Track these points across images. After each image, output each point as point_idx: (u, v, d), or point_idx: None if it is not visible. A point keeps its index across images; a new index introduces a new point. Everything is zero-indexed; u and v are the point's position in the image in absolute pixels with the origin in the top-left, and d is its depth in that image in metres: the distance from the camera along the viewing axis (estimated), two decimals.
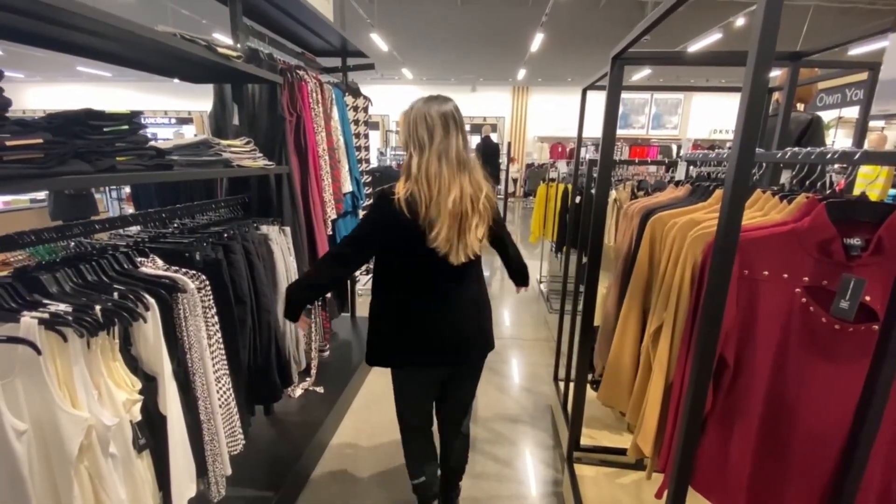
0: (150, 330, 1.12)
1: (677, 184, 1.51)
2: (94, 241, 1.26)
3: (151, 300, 1.11)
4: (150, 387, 1.15)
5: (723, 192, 1.14)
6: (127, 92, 12.88)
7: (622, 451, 1.97)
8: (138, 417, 1.11)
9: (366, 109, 2.75)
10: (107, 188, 7.35)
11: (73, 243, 1.25)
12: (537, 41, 7.59)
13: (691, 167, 1.84)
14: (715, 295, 0.74)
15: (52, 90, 12.50)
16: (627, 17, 6.70)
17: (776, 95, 2.25)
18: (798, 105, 2.40)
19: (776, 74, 2.53)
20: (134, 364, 1.14)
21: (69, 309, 0.97)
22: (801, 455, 0.94)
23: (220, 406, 1.36)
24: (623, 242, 1.48)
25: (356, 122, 2.66)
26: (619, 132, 10.43)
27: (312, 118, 2.01)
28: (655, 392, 1.09)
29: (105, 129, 1.11)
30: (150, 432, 1.16)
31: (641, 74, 10.02)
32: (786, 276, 0.89)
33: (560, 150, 12.32)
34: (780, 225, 0.91)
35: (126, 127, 1.16)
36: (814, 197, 0.90)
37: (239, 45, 1.70)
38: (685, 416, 0.82)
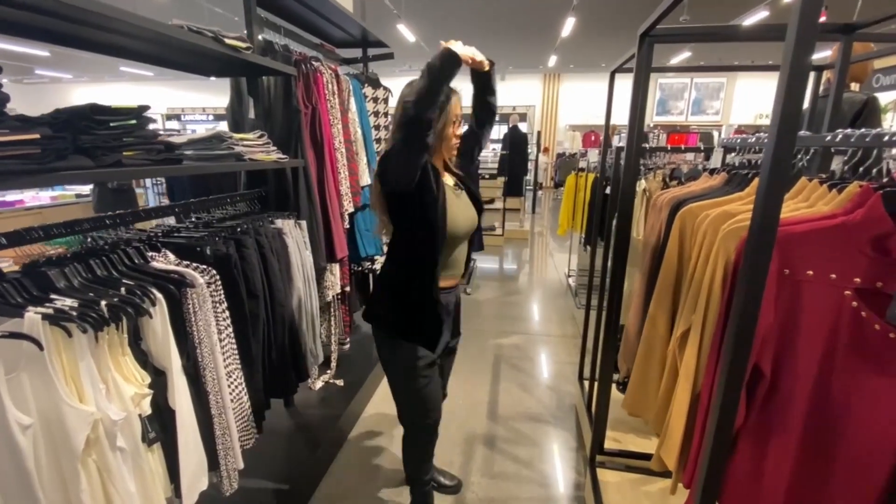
0: (158, 325, 1.12)
1: (712, 172, 1.38)
2: (106, 235, 1.27)
3: (159, 295, 1.11)
4: (159, 381, 1.16)
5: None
6: (167, 90, 13.40)
7: (649, 457, 1.87)
8: (148, 411, 1.12)
9: (386, 100, 2.71)
10: (150, 184, 7.74)
11: (89, 238, 1.27)
12: (568, 26, 7.34)
13: (729, 154, 1.70)
14: (748, 297, 0.65)
15: (97, 90, 13.16)
16: (654, 1, 6.35)
17: (827, 74, 2.05)
18: (852, 85, 2.18)
19: (825, 55, 2.32)
20: (144, 358, 1.14)
21: (74, 304, 0.98)
22: (845, 477, 0.83)
23: (232, 401, 1.36)
24: (651, 236, 1.38)
25: (376, 113, 2.61)
26: (657, 119, 9.99)
27: (328, 110, 1.98)
28: (681, 401, 1.00)
29: (112, 124, 1.11)
30: (161, 426, 1.17)
31: (681, 57, 9.53)
32: (834, 276, 0.78)
33: (593, 138, 11.96)
34: (827, 218, 0.80)
35: (134, 121, 1.15)
36: (868, 186, 0.78)
37: (250, 36, 1.68)
38: (712, 430, 0.73)
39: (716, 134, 11.01)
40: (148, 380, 1.11)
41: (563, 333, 3.58)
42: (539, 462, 2.09)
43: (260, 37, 1.77)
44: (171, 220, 1.61)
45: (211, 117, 13.45)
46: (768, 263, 0.64)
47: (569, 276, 4.80)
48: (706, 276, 0.94)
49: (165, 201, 6.99)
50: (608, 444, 1.87)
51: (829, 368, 0.81)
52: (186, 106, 13.30)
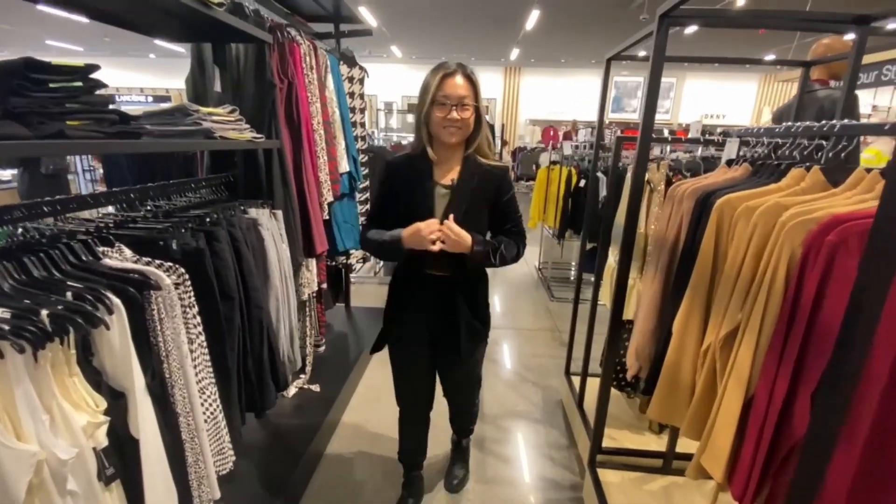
0: (115, 337, 0.91)
1: (730, 163, 1.33)
2: (42, 227, 1.03)
3: (116, 300, 0.90)
4: (117, 405, 0.95)
5: (808, 171, 0.96)
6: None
7: (647, 454, 1.84)
8: (104, 443, 0.91)
9: (362, 81, 2.51)
10: (81, 170, 6.89)
11: (20, 229, 1.03)
12: (533, 18, 7.31)
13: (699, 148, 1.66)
14: (866, 311, 0.56)
15: None
16: None
17: (813, 71, 2.08)
18: (831, 82, 2.24)
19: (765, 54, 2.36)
20: (98, 378, 0.93)
21: (6, 315, 0.76)
22: None
23: (206, 421, 1.16)
24: (670, 230, 1.30)
25: (351, 94, 2.41)
26: (612, 116, 10.21)
27: (306, 86, 1.77)
28: (730, 407, 0.92)
29: (51, 86, 0.88)
30: (120, 460, 0.96)
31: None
32: None
33: (552, 132, 12.09)
34: None
35: (79, 84, 0.92)
36: None
37: None
38: (807, 456, 0.65)
39: (665, 130, 11.48)
40: (103, 404, 0.91)
41: (539, 327, 3.54)
42: (532, 463, 2.01)
43: None
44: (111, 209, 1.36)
45: (150, 98, 12.41)
46: (894, 268, 0.55)
47: (540, 268, 4.79)
48: (766, 272, 0.87)
49: (100, 188, 6.26)
50: (604, 442, 1.82)
51: None
52: (122, 86, 12.18)
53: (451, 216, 1.23)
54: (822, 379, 0.68)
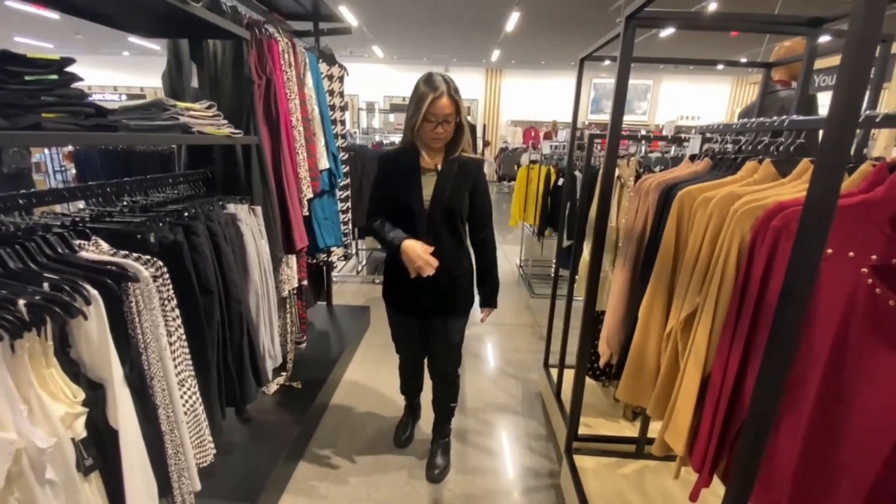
0: (93, 328, 0.92)
1: (692, 158, 1.40)
2: (16, 220, 1.03)
3: (94, 291, 0.91)
4: (96, 396, 0.95)
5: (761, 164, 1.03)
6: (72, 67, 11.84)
7: (620, 440, 1.91)
8: (83, 434, 0.92)
9: (341, 79, 2.52)
10: (52, 171, 6.68)
11: None
12: (513, 20, 7.41)
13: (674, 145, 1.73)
14: (799, 286, 0.62)
15: None
16: (598, 1, 6.60)
17: (775, 72, 2.18)
18: (792, 83, 2.34)
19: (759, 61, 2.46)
20: (75, 370, 0.94)
21: None
22: (854, 452, 0.85)
23: (185, 413, 1.17)
24: (637, 221, 1.36)
25: (331, 92, 2.42)
26: (591, 117, 10.32)
27: (284, 83, 1.78)
28: (689, 385, 0.98)
29: (27, 78, 0.89)
30: (99, 450, 0.97)
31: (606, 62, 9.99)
32: (852, 254, 0.78)
33: (533, 134, 12.24)
34: (845, 196, 0.80)
35: (55, 77, 0.93)
36: (883, 164, 0.79)
37: None
38: (751, 425, 0.70)
39: (643, 131, 11.76)
40: (81, 396, 0.91)
41: (518, 322, 3.60)
42: (512, 453, 2.06)
43: None
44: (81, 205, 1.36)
45: (124, 97, 12.13)
46: (822, 247, 0.61)
47: (521, 266, 4.86)
48: (719, 257, 0.93)
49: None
50: (580, 430, 1.87)
51: (842, 347, 0.82)
52: (95, 84, 11.87)
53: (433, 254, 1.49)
54: (763, 352, 0.74)
